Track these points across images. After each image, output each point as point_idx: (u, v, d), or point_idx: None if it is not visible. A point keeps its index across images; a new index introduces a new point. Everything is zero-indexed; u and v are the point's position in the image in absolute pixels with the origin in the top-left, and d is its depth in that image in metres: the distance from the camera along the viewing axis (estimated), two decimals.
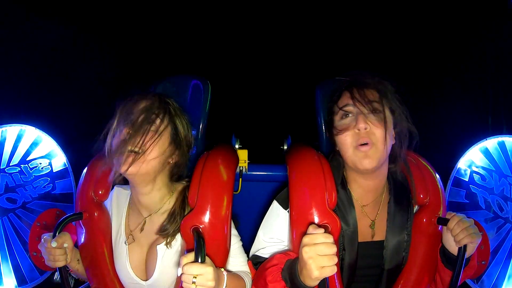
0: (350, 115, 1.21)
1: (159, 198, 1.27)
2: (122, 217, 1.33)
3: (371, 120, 1.17)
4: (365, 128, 1.15)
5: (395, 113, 1.21)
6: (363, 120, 1.16)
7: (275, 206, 1.30)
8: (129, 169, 1.11)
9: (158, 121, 1.16)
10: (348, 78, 1.27)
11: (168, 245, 1.23)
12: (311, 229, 1.01)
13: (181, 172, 1.32)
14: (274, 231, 1.27)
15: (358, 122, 1.16)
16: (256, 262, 1.26)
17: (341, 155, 1.24)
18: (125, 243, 1.29)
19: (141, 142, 1.11)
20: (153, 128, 1.15)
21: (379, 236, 1.28)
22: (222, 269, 1.11)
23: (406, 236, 1.26)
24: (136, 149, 1.12)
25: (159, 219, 1.27)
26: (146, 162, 1.14)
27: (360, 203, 1.28)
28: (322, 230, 1.00)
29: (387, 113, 1.19)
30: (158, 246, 1.24)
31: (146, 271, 1.27)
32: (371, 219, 1.29)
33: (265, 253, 1.26)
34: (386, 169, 1.27)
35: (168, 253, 1.24)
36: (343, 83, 1.27)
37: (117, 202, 1.36)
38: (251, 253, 1.31)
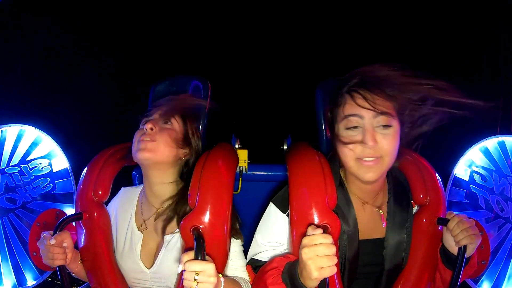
0: (357, 127, 1.12)
1: (170, 191, 1.33)
2: (132, 211, 1.38)
3: (380, 134, 1.10)
4: (374, 146, 1.09)
5: (405, 118, 1.13)
6: (371, 138, 1.08)
7: (273, 209, 1.28)
8: (147, 154, 1.23)
9: (172, 120, 1.31)
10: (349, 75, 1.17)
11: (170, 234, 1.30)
12: (310, 230, 1.01)
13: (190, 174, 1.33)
14: (272, 234, 1.26)
15: (367, 140, 1.09)
16: (256, 266, 1.25)
17: (342, 161, 1.21)
18: (138, 230, 1.33)
19: (156, 131, 1.26)
20: (168, 125, 1.30)
21: (378, 234, 1.28)
22: (220, 275, 1.10)
23: (405, 236, 1.26)
24: (150, 138, 1.25)
25: (171, 212, 1.32)
26: (161, 149, 1.25)
27: (359, 200, 1.28)
28: (321, 230, 1.00)
29: (397, 124, 1.11)
30: (166, 236, 1.29)
31: (152, 261, 1.30)
32: (370, 217, 1.29)
33: (264, 256, 1.25)
34: (386, 172, 1.24)
35: (173, 242, 1.27)
36: (346, 81, 1.16)
37: (123, 201, 1.41)
38: (249, 257, 1.30)
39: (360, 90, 1.11)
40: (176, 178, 1.34)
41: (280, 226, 1.25)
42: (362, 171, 1.13)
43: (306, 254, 0.96)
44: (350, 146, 1.12)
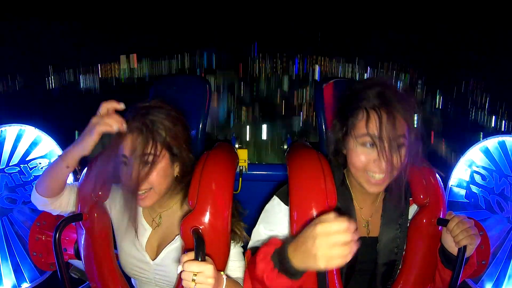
0: (372, 146, 1.13)
1: (168, 197, 1.31)
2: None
3: (394, 156, 1.11)
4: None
5: (413, 138, 1.14)
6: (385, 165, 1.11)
7: (276, 201, 1.29)
8: (147, 204, 1.23)
9: (152, 153, 1.18)
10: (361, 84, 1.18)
11: None
12: (331, 216, 0.88)
13: (187, 173, 1.32)
14: (274, 224, 1.27)
15: (379, 165, 1.11)
16: (255, 252, 1.26)
17: (347, 165, 1.22)
18: (146, 223, 1.34)
19: (147, 183, 1.19)
20: (153, 166, 1.19)
21: (374, 232, 1.29)
22: (222, 273, 1.11)
23: (399, 232, 1.28)
24: (146, 190, 1.20)
25: (176, 212, 1.32)
26: (158, 192, 1.23)
27: (357, 205, 1.29)
28: (333, 214, 0.88)
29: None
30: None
31: (156, 254, 1.31)
32: (366, 219, 1.30)
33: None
34: None
35: (177, 238, 1.28)
36: (363, 92, 1.14)
37: None
38: (250, 245, 1.30)
39: (381, 111, 1.11)
40: (174, 188, 1.31)
41: (282, 216, 1.25)
42: (369, 184, 1.17)
43: (322, 246, 0.86)
44: (362, 159, 1.15)
